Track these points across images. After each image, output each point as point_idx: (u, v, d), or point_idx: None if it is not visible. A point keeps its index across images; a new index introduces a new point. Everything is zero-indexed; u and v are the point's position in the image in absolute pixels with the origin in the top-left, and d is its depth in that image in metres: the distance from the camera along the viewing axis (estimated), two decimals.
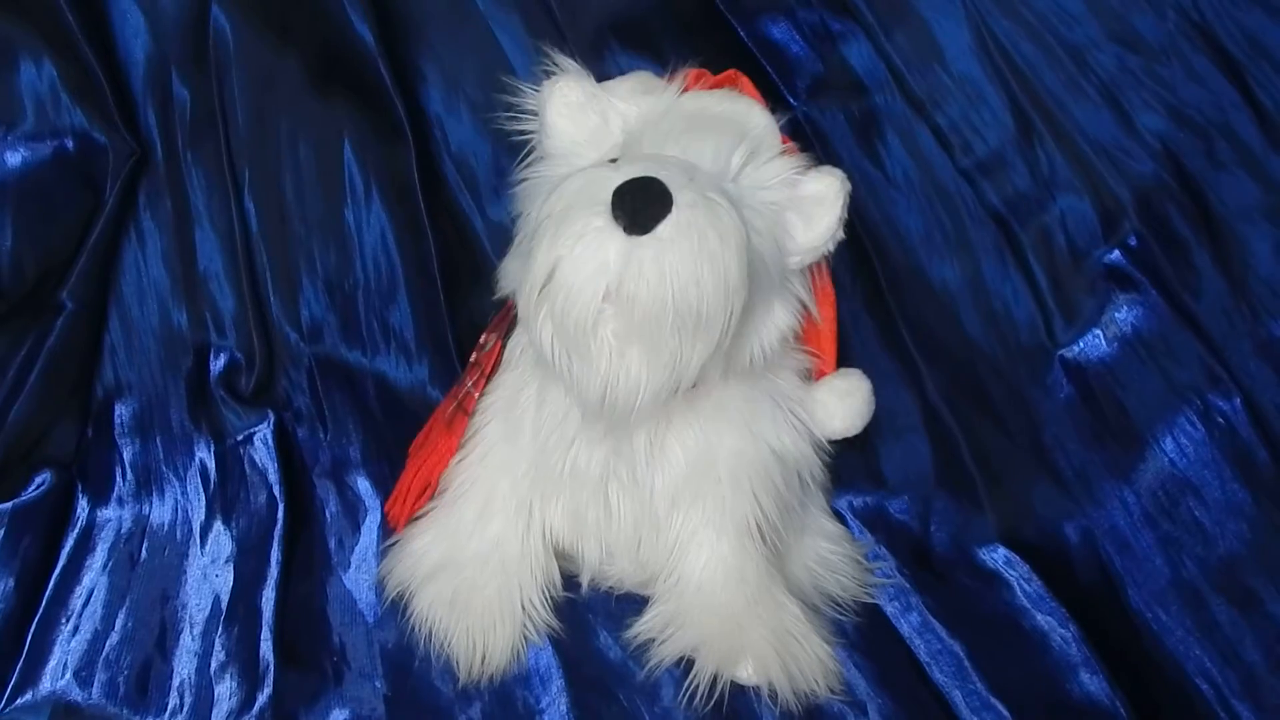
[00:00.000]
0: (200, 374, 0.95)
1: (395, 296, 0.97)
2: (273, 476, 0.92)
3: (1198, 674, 0.81)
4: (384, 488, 0.92)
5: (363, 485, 0.93)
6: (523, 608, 0.80)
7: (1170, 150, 0.91)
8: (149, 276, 0.94)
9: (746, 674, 0.76)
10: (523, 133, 0.77)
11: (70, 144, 0.90)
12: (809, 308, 0.76)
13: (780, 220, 0.72)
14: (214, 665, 0.80)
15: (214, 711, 0.78)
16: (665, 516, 0.78)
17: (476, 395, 0.81)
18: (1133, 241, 0.91)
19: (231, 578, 0.86)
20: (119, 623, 0.83)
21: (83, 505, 0.89)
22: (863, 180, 0.95)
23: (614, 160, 0.70)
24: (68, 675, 0.79)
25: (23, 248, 0.88)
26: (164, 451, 0.92)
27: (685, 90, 0.76)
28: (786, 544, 0.82)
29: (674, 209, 0.63)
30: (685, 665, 0.77)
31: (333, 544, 0.89)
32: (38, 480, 0.88)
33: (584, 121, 0.75)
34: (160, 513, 0.90)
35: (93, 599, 0.84)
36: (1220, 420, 0.88)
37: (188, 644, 0.82)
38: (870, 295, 0.95)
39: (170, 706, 0.78)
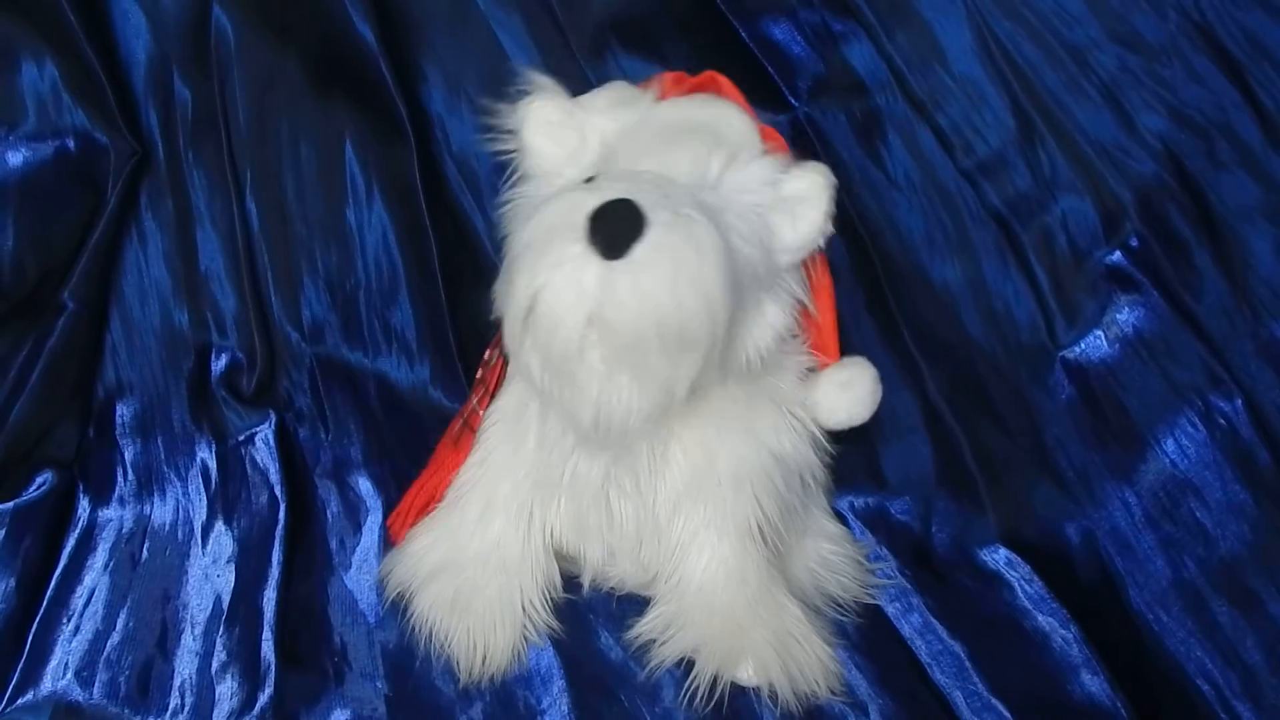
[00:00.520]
0: (201, 374, 0.95)
1: (397, 297, 0.97)
2: (274, 477, 0.92)
3: (1199, 675, 0.81)
4: (385, 488, 0.92)
5: (364, 485, 0.93)
6: (523, 609, 0.80)
7: (1171, 150, 0.91)
8: (150, 276, 0.94)
9: (747, 675, 0.76)
10: (506, 152, 0.76)
11: (72, 144, 0.90)
12: (805, 303, 0.75)
13: (766, 222, 0.71)
14: (215, 665, 0.80)
15: (215, 712, 0.78)
16: (667, 520, 0.78)
17: (482, 413, 0.81)
18: (1134, 242, 0.91)
19: (233, 578, 0.86)
20: (120, 623, 0.83)
21: (84, 505, 0.89)
22: (864, 181, 0.95)
23: (590, 179, 0.69)
24: (69, 675, 0.79)
25: (24, 248, 0.88)
26: (165, 451, 0.93)
27: (663, 96, 0.75)
28: (788, 545, 0.82)
29: (648, 230, 0.62)
30: (686, 666, 0.77)
31: (334, 544, 0.89)
32: (39, 480, 0.88)
33: (563, 140, 0.74)
34: (161, 513, 0.90)
35: (94, 599, 0.84)
36: (1221, 421, 0.88)
37: (189, 644, 0.82)
38: (871, 295, 0.95)
39: (171, 707, 0.78)
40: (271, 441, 0.93)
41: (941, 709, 0.79)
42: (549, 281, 0.63)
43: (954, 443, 0.92)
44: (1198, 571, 0.85)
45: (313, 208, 0.96)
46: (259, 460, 0.93)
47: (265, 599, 0.84)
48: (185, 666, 0.80)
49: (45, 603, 0.83)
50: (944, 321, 0.95)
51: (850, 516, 0.93)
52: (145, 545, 0.88)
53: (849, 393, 0.80)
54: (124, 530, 0.89)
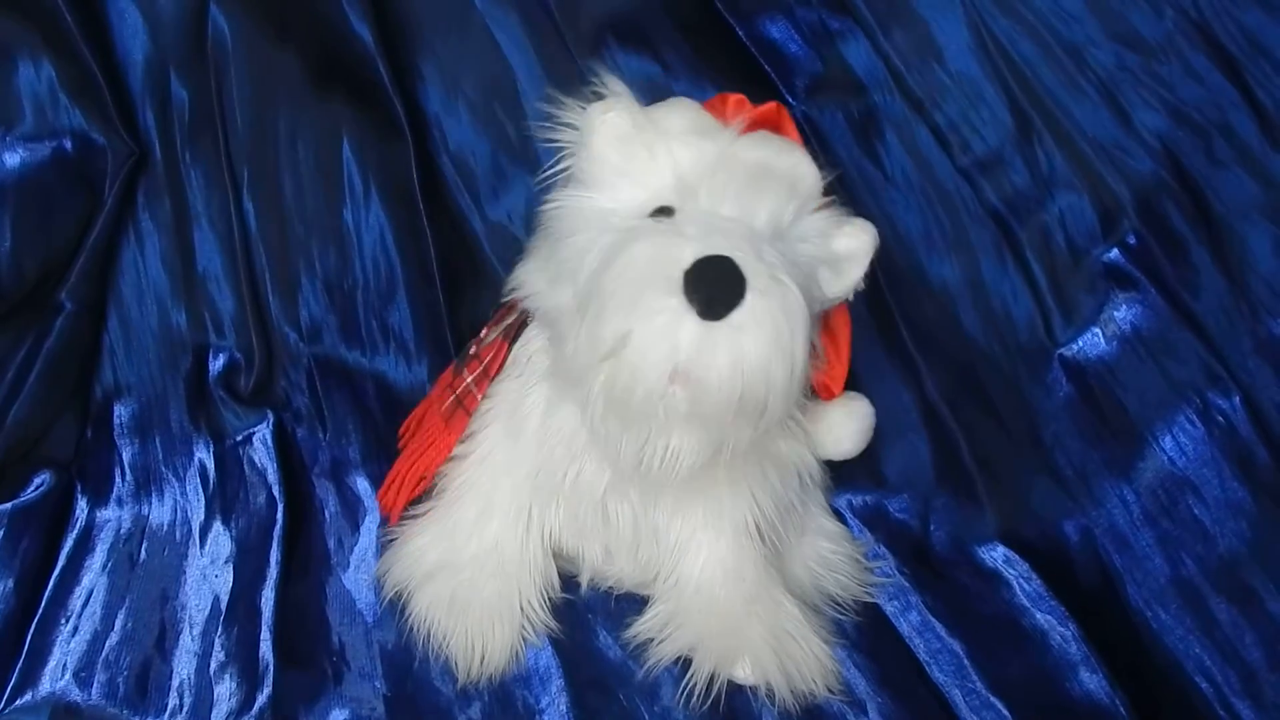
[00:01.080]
0: (199, 374, 0.95)
1: (394, 297, 0.97)
2: (272, 476, 0.92)
3: (1197, 672, 0.81)
4: None
5: (362, 485, 0.93)
6: (521, 609, 0.80)
7: (1169, 148, 0.91)
8: (148, 277, 0.94)
9: (744, 673, 0.76)
10: (553, 143, 0.74)
11: (69, 144, 0.90)
12: (817, 350, 0.74)
13: (813, 273, 0.71)
14: (213, 665, 0.80)
15: (214, 712, 0.77)
16: (665, 519, 0.78)
17: (479, 396, 0.81)
18: (1132, 240, 0.91)
19: (231, 578, 0.86)
20: (118, 623, 0.83)
21: (82, 506, 0.89)
22: (862, 179, 0.95)
23: (667, 209, 0.68)
24: (67, 676, 0.79)
25: (22, 248, 0.88)
26: (163, 452, 0.92)
27: (725, 118, 0.73)
28: (786, 543, 0.82)
29: (748, 293, 0.62)
30: (684, 664, 0.77)
31: (332, 544, 0.89)
32: (37, 481, 0.88)
33: (632, 154, 0.71)
34: (159, 513, 0.90)
35: (92, 599, 0.84)
36: (1219, 419, 0.88)
37: (187, 644, 0.82)
38: (870, 295, 0.94)
39: (170, 707, 0.78)
40: (269, 441, 0.93)
41: (940, 707, 0.79)
42: (641, 330, 0.62)
43: (952, 441, 0.92)
44: (1196, 569, 0.85)
45: (310, 208, 0.96)
46: (257, 460, 0.93)
47: (263, 599, 0.84)
48: (184, 667, 0.80)
49: (43, 603, 0.83)
50: (942, 320, 0.95)
51: (849, 515, 0.93)
52: (143, 545, 0.88)
53: (855, 424, 0.81)
54: (122, 530, 0.89)
